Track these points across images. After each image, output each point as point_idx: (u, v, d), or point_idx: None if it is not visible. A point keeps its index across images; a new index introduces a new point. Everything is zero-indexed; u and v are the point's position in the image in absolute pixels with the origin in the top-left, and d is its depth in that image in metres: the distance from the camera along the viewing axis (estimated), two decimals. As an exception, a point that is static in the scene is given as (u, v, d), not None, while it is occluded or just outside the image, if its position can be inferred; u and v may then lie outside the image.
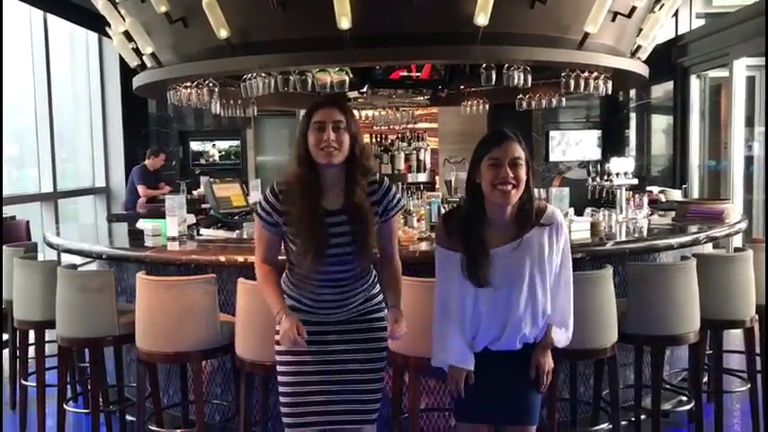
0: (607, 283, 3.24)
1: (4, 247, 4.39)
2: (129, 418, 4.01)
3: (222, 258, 3.60)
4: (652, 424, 3.53)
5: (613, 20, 4.43)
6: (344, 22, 3.87)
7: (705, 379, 4.22)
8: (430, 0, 3.95)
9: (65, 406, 3.83)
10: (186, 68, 4.59)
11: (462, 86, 6.14)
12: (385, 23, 4.08)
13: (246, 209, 4.68)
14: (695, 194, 8.15)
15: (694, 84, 8.43)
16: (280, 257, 2.70)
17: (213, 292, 3.29)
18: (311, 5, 4.03)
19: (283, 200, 2.56)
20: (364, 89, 5.60)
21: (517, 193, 2.42)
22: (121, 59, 5.66)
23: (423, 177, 7.37)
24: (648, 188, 6.33)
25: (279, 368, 2.68)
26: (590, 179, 5.18)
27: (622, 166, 4.94)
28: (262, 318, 2.95)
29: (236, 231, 4.33)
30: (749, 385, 3.92)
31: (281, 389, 2.67)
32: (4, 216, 5.92)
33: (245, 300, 3.17)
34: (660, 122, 9.18)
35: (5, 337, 4.53)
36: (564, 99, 5.71)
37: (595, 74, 4.66)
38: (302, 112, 2.69)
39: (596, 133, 10.05)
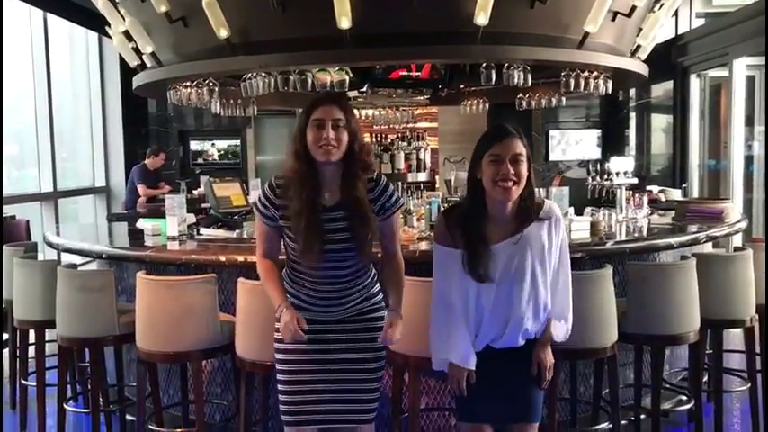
0: (607, 283, 3.25)
1: (4, 247, 4.39)
2: (129, 417, 4.02)
3: (222, 258, 3.61)
4: (652, 423, 3.53)
5: (613, 19, 4.43)
6: (344, 22, 3.87)
7: (705, 378, 4.22)
8: (430, 0, 3.96)
9: (65, 405, 3.83)
10: (186, 68, 4.59)
11: (462, 86, 6.14)
12: (385, 23, 4.08)
13: (246, 208, 4.67)
14: (695, 194, 8.15)
15: (694, 83, 8.44)
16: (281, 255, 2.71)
17: (213, 291, 3.29)
18: (311, 5, 4.04)
19: (280, 194, 2.56)
20: (364, 89, 5.60)
21: (518, 189, 2.42)
22: (121, 59, 5.66)
23: (423, 177, 7.37)
24: (648, 187, 6.33)
25: (278, 366, 2.68)
26: (590, 178, 5.18)
27: (622, 166, 4.94)
28: (262, 317, 2.95)
29: (236, 231, 4.33)
30: (749, 385, 3.92)
31: (279, 386, 2.68)
32: (4, 216, 5.92)
33: (245, 299, 3.17)
34: (660, 122, 9.18)
35: (5, 336, 4.53)
36: (564, 98, 5.71)
37: (595, 73, 4.66)
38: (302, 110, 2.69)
39: (596, 133, 10.06)
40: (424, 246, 3.69)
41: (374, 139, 7.60)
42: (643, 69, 5.01)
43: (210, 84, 4.77)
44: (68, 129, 9.35)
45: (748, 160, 7.59)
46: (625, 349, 3.84)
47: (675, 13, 7.96)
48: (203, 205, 6.03)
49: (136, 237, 4.42)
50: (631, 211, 4.76)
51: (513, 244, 2.46)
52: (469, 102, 6.38)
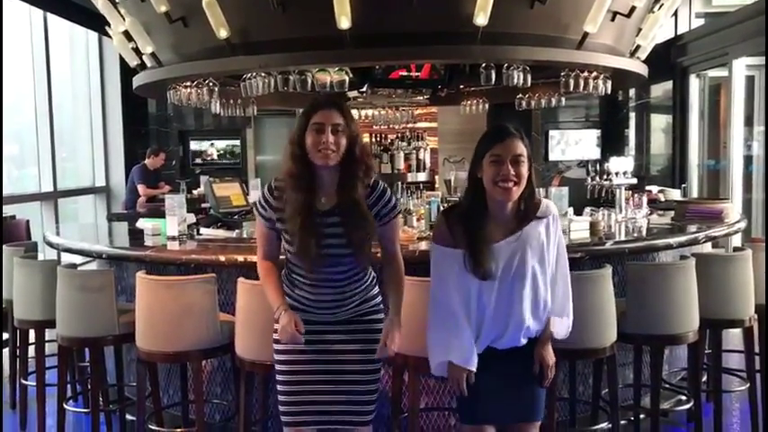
0: (606, 283, 3.25)
1: (4, 247, 4.39)
2: (129, 417, 4.02)
3: (222, 258, 3.61)
4: (651, 423, 3.53)
5: (613, 19, 4.43)
6: (344, 22, 3.87)
7: (704, 378, 4.23)
8: (429, 0, 3.96)
9: (65, 405, 3.83)
10: (186, 68, 4.59)
11: (462, 86, 6.14)
12: (385, 23, 4.08)
13: (246, 208, 4.67)
14: (694, 194, 8.15)
15: (694, 83, 8.44)
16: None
17: (213, 291, 3.29)
18: (311, 5, 4.04)
19: (278, 196, 2.57)
20: (364, 89, 5.60)
21: (518, 189, 2.43)
22: (121, 59, 5.67)
23: (422, 177, 7.37)
24: (648, 187, 6.34)
25: (277, 366, 2.69)
26: (589, 178, 5.18)
27: (622, 166, 4.95)
28: (261, 317, 2.95)
29: (236, 231, 4.33)
30: (748, 385, 3.93)
31: (278, 387, 2.68)
32: (4, 215, 5.92)
33: (244, 299, 3.17)
34: (659, 122, 9.19)
35: (6, 336, 4.53)
36: (563, 98, 5.71)
37: (595, 73, 4.66)
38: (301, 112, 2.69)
39: (596, 133, 10.06)
40: (423, 246, 3.69)
41: (374, 139, 7.60)
42: (642, 69, 5.01)
43: (210, 84, 4.77)
44: (68, 128, 9.35)
45: (748, 160, 7.60)
46: (624, 349, 3.85)
47: (675, 14, 7.96)
48: (203, 205, 6.03)
49: (136, 237, 4.42)
50: (631, 211, 4.76)
51: (513, 243, 2.46)
52: (469, 102, 6.39)
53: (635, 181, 5.12)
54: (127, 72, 6.12)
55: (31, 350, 4.22)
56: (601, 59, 4.48)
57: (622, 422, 3.62)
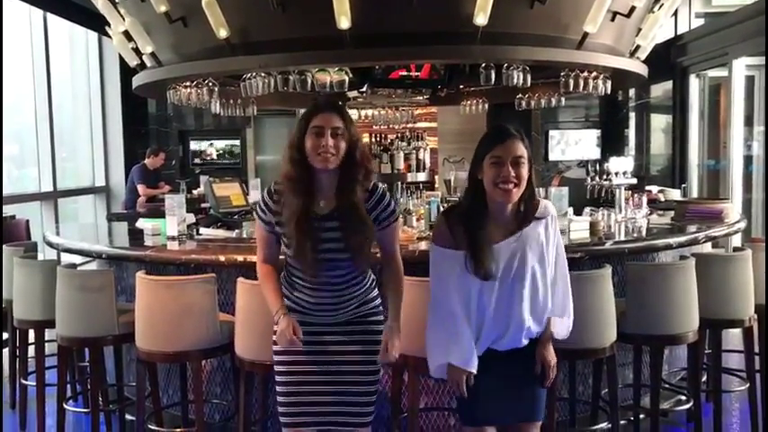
0: (606, 283, 3.25)
1: (3, 247, 4.39)
2: (128, 417, 4.02)
3: (222, 258, 3.61)
4: (651, 423, 3.53)
5: (612, 19, 4.43)
6: (344, 22, 3.87)
7: (704, 378, 4.23)
8: (429, 0, 3.96)
9: (64, 405, 3.83)
10: (186, 68, 4.59)
11: (462, 86, 6.14)
12: (384, 23, 4.08)
13: (246, 208, 4.67)
14: (694, 194, 8.15)
15: (693, 83, 8.44)
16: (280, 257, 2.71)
17: (213, 291, 3.29)
18: (311, 5, 4.04)
19: (277, 200, 2.56)
20: (364, 89, 5.59)
21: (518, 191, 2.42)
22: (121, 59, 5.67)
23: (422, 177, 7.36)
24: (647, 187, 6.34)
25: (276, 368, 2.69)
26: (589, 178, 5.18)
27: (621, 166, 4.95)
28: (261, 317, 2.95)
29: (236, 231, 4.33)
30: (748, 385, 3.93)
31: (278, 388, 2.69)
32: (3, 215, 5.92)
33: (244, 299, 3.17)
34: (659, 122, 9.19)
35: (5, 336, 4.53)
36: (563, 98, 5.71)
37: (594, 73, 4.66)
38: (302, 111, 2.69)
39: (595, 133, 10.06)
40: (423, 245, 3.69)
41: (373, 139, 7.60)
42: (642, 69, 5.01)
43: (210, 84, 4.77)
44: (68, 128, 9.35)
45: (747, 160, 7.60)
46: (624, 349, 3.85)
47: (675, 14, 7.96)
48: (203, 205, 6.03)
49: (135, 236, 4.42)
50: (630, 211, 4.76)
51: (513, 243, 2.46)
52: (469, 102, 6.39)
53: (635, 181, 5.12)
54: (127, 72, 6.12)
55: (31, 350, 4.22)
56: (601, 59, 4.48)
57: (622, 422, 3.62)
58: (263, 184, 5.80)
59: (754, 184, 7.52)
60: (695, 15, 8.99)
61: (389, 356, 2.59)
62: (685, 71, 8.45)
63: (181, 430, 3.83)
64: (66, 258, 4.76)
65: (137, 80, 5.11)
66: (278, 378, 2.69)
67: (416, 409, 3.24)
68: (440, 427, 3.78)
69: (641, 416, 3.85)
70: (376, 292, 2.72)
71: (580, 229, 4.10)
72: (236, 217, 4.57)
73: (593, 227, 4.15)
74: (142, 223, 4.49)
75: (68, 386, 4.20)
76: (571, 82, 4.60)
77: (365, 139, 7.81)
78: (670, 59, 8.41)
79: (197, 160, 10.72)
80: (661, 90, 9.00)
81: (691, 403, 3.87)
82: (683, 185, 7.81)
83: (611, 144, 9.67)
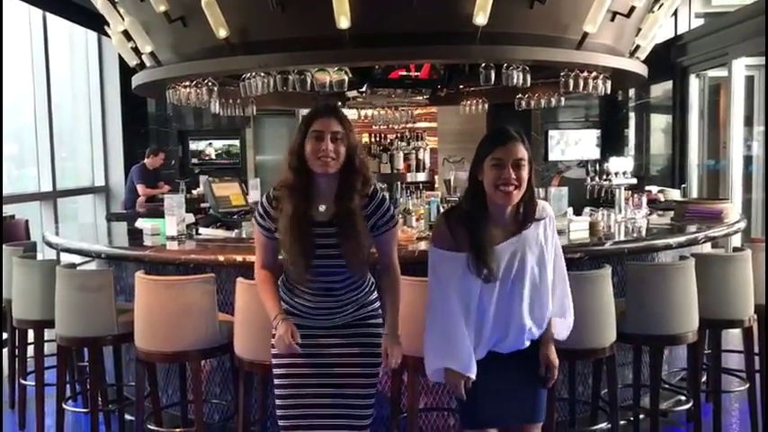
0: (606, 283, 3.25)
1: (3, 247, 4.39)
2: (128, 417, 4.01)
3: (221, 258, 3.61)
4: (651, 423, 3.53)
5: (612, 19, 4.43)
6: (344, 22, 3.87)
7: (704, 378, 4.22)
8: (429, 0, 3.96)
9: (64, 405, 3.83)
10: (185, 68, 4.59)
11: (461, 86, 6.14)
12: (384, 23, 4.08)
13: (245, 208, 4.68)
14: (694, 194, 8.15)
15: (693, 83, 8.44)
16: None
17: (212, 291, 3.29)
18: (310, 5, 4.04)
19: (276, 206, 2.56)
20: (363, 89, 5.59)
21: (519, 193, 2.42)
22: (121, 59, 5.66)
23: (422, 177, 7.36)
24: (647, 188, 6.34)
25: (275, 371, 2.69)
26: (589, 179, 5.18)
27: (621, 166, 4.95)
28: (260, 317, 2.94)
29: (235, 231, 4.33)
30: (747, 385, 3.93)
31: (276, 391, 2.69)
32: (3, 215, 5.91)
33: (243, 299, 3.17)
34: (659, 122, 9.19)
35: (5, 336, 4.53)
36: (563, 98, 5.71)
37: (594, 73, 4.66)
38: (302, 111, 2.69)
39: (595, 133, 10.06)
40: (423, 246, 3.69)
41: (373, 139, 7.59)
42: (642, 69, 5.01)
43: (210, 83, 4.77)
44: (68, 128, 9.34)
45: (747, 160, 7.60)
46: (624, 349, 3.85)
47: (675, 14, 7.96)
48: (202, 205, 6.03)
49: (135, 236, 4.42)
50: (630, 211, 4.76)
51: (513, 245, 2.46)
52: (469, 102, 6.38)
53: (634, 181, 5.12)
54: (126, 72, 6.11)
55: (30, 350, 4.22)
56: (600, 59, 4.48)
57: (622, 422, 3.62)
58: (262, 183, 5.81)
59: (754, 185, 7.53)
60: (695, 15, 8.98)
61: (390, 364, 2.61)
62: (685, 71, 8.44)
63: (180, 430, 3.83)
64: (66, 258, 4.75)
65: (136, 80, 5.11)
66: (276, 381, 2.69)
67: (416, 410, 3.24)
68: (439, 427, 3.78)
69: (641, 416, 3.85)
70: (375, 295, 2.72)
71: (580, 229, 4.11)
72: (235, 217, 4.57)
73: (592, 227, 4.15)
74: (141, 223, 4.49)
75: (68, 386, 4.20)
76: (571, 82, 4.60)
77: (365, 139, 7.85)
78: (670, 59, 8.41)
79: (196, 160, 10.72)
80: (661, 90, 9.00)
81: (690, 403, 3.87)
82: (683, 185, 7.82)
83: (611, 144, 9.67)
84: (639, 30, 4.89)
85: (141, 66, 5.00)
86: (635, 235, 4.28)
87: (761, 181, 7.34)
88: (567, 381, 3.83)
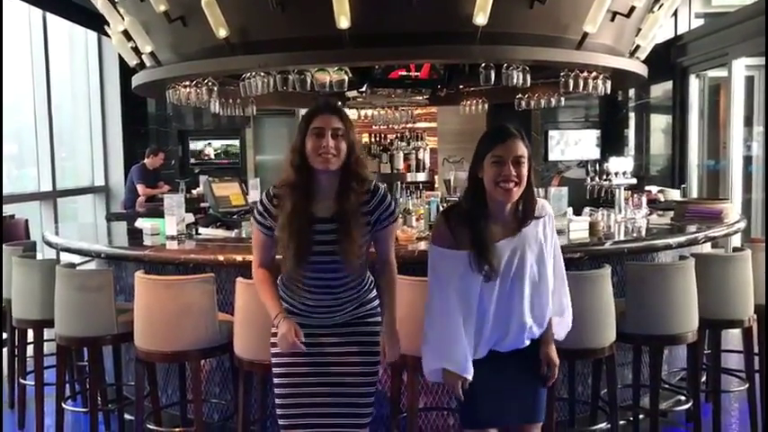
0: (605, 283, 3.25)
1: (3, 246, 4.39)
2: (127, 417, 4.01)
3: (221, 257, 3.61)
4: (650, 423, 3.53)
5: (612, 20, 4.43)
6: (343, 22, 3.87)
7: (703, 378, 4.22)
8: (429, 0, 3.96)
9: (63, 405, 3.83)
10: (185, 68, 4.59)
11: (461, 86, 6.14)
12: (384, 23, 4.08)
13: (245, 208, 4.67)
14: (694, 194, 8.15)
15: (693, 83, 8.44)
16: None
17: (212, 291, 3.29)
18: (310, 5, 4.04)
19: (278, 204, 2.56)
20: (363, 88, 5.59)
21: (519, 190, 2.42)
22: (121, 58, 5.66)
23: (422, 177, 7.37)
24: (647, 188, 6.34)
25: (274, 370, 2.69)
26: (589, 179, 5.18)
27: (621, 166, 4.95)
28: (260, 317, 2.94)
29: (235, 230, 4.33)
30: (747, 385, 3.93)
31: (276, 390, 2.69)
32: (3, 215, 5.91)
33: (243, 299, 3.17)
34: (659, 122, 9.18)
35: (4, 335, 4.53)
36: (563, 99, 5.71)
37: (594, 73, 4.66)
38: (301, 111, 2.69)
39: (595, 133, 10.05)
40: (422, 246, 3.69)
41: (373, 139, 7.60)
42: (642, 69, 5.01)
43: (209, 83, 4.77)
44: (68, 128, 9.34)
45: (747, 160, 7.60)
46: (623, 349, 3.85)
47: (675, 14, 7.96)
48: (202, 205, 6.03)
49: (135, 236, 4.42)
50: (630, 211, 4.76)
51: (512, 243, 2.46)
52: (469, 102, 6.38)
53: (634, 181, 5.12)
54: (126, 72, 6.12)
55: (30, 350, 4.22)
56: (600, 59, 4.48)
57: (621, 422, 3.62)
58: (262, 183, 5.80)
59: (754, 185, 7.52)
60: (695, 15, 8.98)
61: (387, 359, 2.64)
62: (685, 71, 8.44)
63: (180, 430, 3.83)
64: (66, 258, 4.76)
65: (136, 80, 5.11)
66: (276, 380, 2.69)
67: (415, 409, 3.24)
68: (439, 427, 3.78)
69: (641, 416, 3.85)
70: (374, 293, 2.72)
71: (579, 229, 4.11)
72: (235, 217, 4.57)
73: (592, 227, 4.15)
74: (141, 223, 4.49)
75: (67, 386, 4.20)
76: (571, 82, 4.60)
77: (365, 139, 7.85)
78: (670, 59, 8.41)
79: (196, 160, 10.71)
80: (661, 90, 9.00)
81: (690, 403, 3.87)
82: (683, 186, 7.82)
83: (611, 144, 9.67)
84: (639, 30, 4.89)
85: (141, 66, 5.00)
86: (635, 235, 4.28)
87: (761, 181, 7.34)
88: (567, 381, 3.83)
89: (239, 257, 3.52)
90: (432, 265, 2.53)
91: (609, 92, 4.88)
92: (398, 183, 5.67)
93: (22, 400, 4.23)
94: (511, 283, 2.47)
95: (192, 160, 10.68)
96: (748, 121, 7.55)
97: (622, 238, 4.19)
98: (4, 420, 4.27)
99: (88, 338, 3.58)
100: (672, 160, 8.77)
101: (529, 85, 4.50)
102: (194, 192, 7.98)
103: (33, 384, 3.97)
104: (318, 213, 2.54)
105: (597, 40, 4.40)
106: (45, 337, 4.00)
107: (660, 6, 4.88)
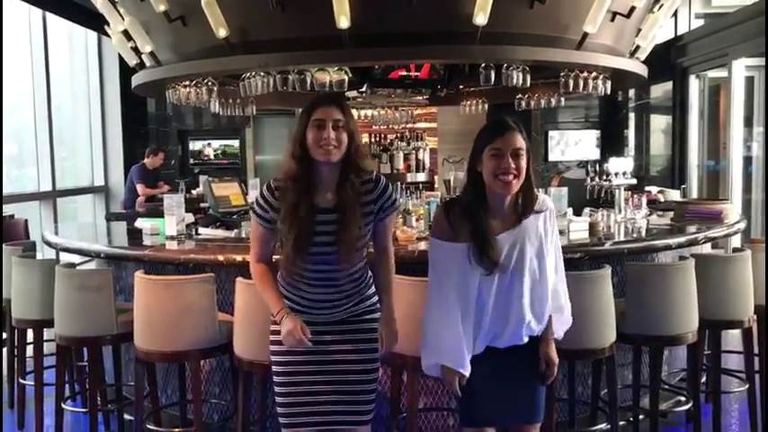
0: (605, 283, 3.25)
1: (2, 246, 4.38)
2: (127, 417, 4.01)
3: (221, 257, 3.60)
4: (650, 424, 3.53)
5: (612, 20, 4.43)
6: (343, 22, 3.87)
7: (703, 379, 4.22)
8: (429, 0, 3.95)
9: (63, 405, 3.83)
10: (185, 67, 4.59)
11: (461, 86, 6.14)
12: (384, 23, 4.08)
13: (245, 208, 4.67)
14: (694, 194, 8.15)
15: (693, 84, 8.44)
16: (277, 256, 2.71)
17: (211, 291, 3.29)
18: (310, 5, 4.04)
19: (279, 196, 2.56)
20: (363, 89, 5.60)
21: (518, 182, 2.43)
22: (120, 58, 5.67)
23: (422, 177, 7.38)
24: (647, 188, 6.34)
25: (274, 368, 2.69)
26: (589, 179, 5.18)
27: (621, 166, 4.95)
28: (260, 317, 2.95)
29: (235, 230, 4.32)
30: (747, 385, 3.93)
31: (276, 389, 2.68)
32: (3, 215, 5.91)
33: (243, 299, 3.17)
34: (659, 122, 9.18)
35: (4, 335, 4.52)
36: (563, 99, 5.71)
37: (594, 74, 4.66)
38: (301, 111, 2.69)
39: (595, 133, 10.05)
40: (422, 246, 3.69)
41: (373, 139, 7.60)
42: (642, 70, 5.01)
43: (209, 83, 4.77)
44: (67, 128, 9.34)
45: (747, 161, 7.60)
46: (623, 350, 3.84)
47: (675, 14, 7.96)
48: (202, 205, 6.03)
49: (134, 236, 4.42)
50: (630, 211, 4.76)
51: (512, 236, 2.46)
52: (469, 102, 6.39)
53: (634, 181, 5.12)
54: (126, 71, 6.12)
55: (30, 349, 4.21)
56: (600, 60, 4.48)
57: (621, 423, 3.62)
58: (262, 183, 5.79)
59: (754, 185, 7.52)
60: (695, 16, 8.98)
61: (388, 345, 2.66)
62: (685, 72, 8.44)
63: (179, 430, 3.83)
64: (65, 258, 4.76)
65: (136, 79, 5.11)
66: (276, 379, 2.68)
67: (415, 410, 3.23)
68: (438, 427, 3.77)
69: (640, 416, 3.85)
70: (373, 289, 2.72)
71: (579, 229, 4.10)
72: (235, 217, 4.57)
73: (592, 227, 4.15)
74: (141, 223, 4.49)
75: (67, 386, 4.20)
76: (571, 82, 4.61)
77: (365, 139, 7.85)
78: (670, 60, 8.41)
79: (196, 160, 10.71)
80: (661, 90, 9.00)
81: (690, 404, 3.87)
82: (683, 186, 7.82)
83: (611, 144, 9.67)
84: (639, 30, 4.89)
85: (141, 65, 5.00)
86: (635, 235, 4.27)
87: (761, 181, 7.34)
88: (567, 381, 3.83)
89: (239, 257, 3.52)
90: (431, 259, 2.54)
91: (609, 92, 4.89)
92: (398, 183, 5.67)
93: (22, 400, 4.23)
94: (510, 276, 2.46)
95: (192, 160, 10.68)
96: (748, 122, 7.55)
97: (622, 238, 4.19)
98: (3, 420, 4.26)
99: (88, 338, 3.57)
100: (672, 161, 8.77)
101: (529, 85, 4.50)
102: (194, 192, 7.98)
103: (33, 384, 3.97)
104: (320, 204, 2.54)
105: (597, 41, 4.40)
106: (45, 337, 3.99)
107: (660, 7, 4.88)
